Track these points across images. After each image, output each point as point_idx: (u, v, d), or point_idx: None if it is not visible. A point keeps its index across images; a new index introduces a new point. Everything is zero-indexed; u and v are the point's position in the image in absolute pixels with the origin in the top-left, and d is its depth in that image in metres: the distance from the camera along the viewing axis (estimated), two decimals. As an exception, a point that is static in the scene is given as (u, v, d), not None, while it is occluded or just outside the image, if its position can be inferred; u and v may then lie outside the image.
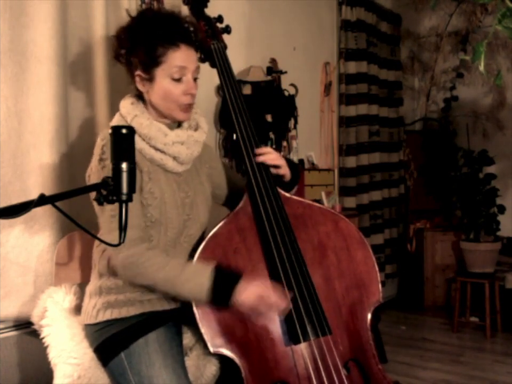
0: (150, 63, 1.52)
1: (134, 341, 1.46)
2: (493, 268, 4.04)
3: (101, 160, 1.50)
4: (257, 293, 1.41)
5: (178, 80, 1.54)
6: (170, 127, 1.59)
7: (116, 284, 1.54)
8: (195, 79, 1.58)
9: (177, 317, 1.60)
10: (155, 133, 1.53)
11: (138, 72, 1.55)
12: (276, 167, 1.65)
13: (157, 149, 1.54)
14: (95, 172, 1.52)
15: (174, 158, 1.56)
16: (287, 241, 1.54)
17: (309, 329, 1.48)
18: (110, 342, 1.51)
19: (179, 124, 1.64)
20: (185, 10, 1.80)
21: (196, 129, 1.65)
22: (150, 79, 1.55)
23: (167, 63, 1.52)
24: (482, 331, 3.88)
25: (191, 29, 1.60)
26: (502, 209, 4.06)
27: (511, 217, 4.24)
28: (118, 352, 1.48)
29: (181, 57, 1.53)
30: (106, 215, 1.48)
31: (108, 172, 1.44)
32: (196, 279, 1.43)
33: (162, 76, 1.53)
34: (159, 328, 1.51)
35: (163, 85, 1.54)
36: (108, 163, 1.45)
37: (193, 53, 1.57)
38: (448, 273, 4.51)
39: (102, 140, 1.51)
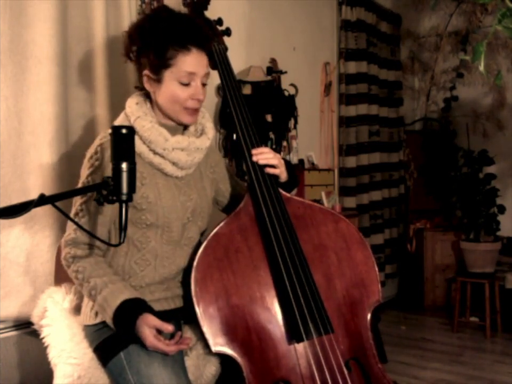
0: (159, 65, 1.51)
1: (133, 341, 1.46)
2: (493, 268, 4.04)
3: (91, 158, 1.52)
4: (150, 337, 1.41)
5: (186, 84, 1.52)
6: (173, 132, 1.58)
7: None
8: (204, 85, 1.57)
9: (178, 317, 1.60)
10: (155, 137, 1.52)
11: (146, 72, 1.54)
12: (271, 166, 1.64)
13: (156, 153, 1.53)
14: (83, 168, 1.55)
15: (174, 163, 1.56)
16: (289, 240, 1.55)
17: (311, 327, 1.48)
18: (109, 342, 1.51)
19: (185, 127, 1.64)
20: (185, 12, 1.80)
21: (200, 135, 1.64)
22: (158, 80, 1.53)
23: (176, 66, 1.51)
24: (482, 331, 3.89)
25: (207, 32, 1.59)
26: (502, 209, 4.06)
27: (511, 217, 4.24)
28: (117, 352, 1.48)
29: (190, 62, 1.51)
30: (72, 213, 1.52)
31: (93, 173, 1.48)
32: (111, 300, 1.45)
33: (170, 78, 1.52)
34: None
35: (170, 88, 1.53)
36: (97, 164, 1.49)
37: (204, 58, 1.55)
38: (448, 273, 4.52)
39: (100, 140, 1.53)
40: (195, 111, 1.58)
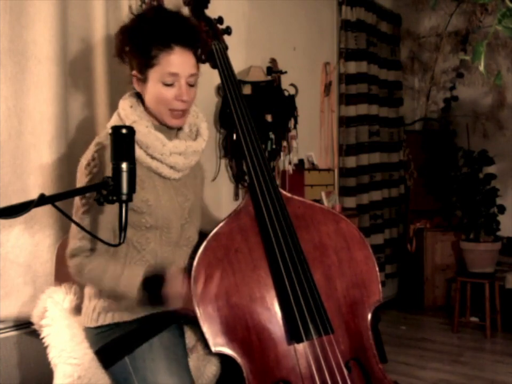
0: (144, 64, 1.50)
1: (138, 346, 1.45)
2: (493, 268, 4.04)
3: (88, 165, 1.48)
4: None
5: (170, 85, 1.50)
6: (168, 135, 1.56)
7: None
8: (191, 86, 1.53)
9: (180, 318, 1.60)
10: (152, 142, 1.51)
11: (134, 72, 1.53)
12: None
13: (153, 158, 1.52)
14: (80, 175, 1.51)
15: (171, 167, 1.55)
16: (289, 240, 1.54)
17: (311, 328, 1.48)
18: (113, 346, 1.50)
19: (179, 128, 1.61)
20: (185, 11, 1.79)
21: (195, 137, 1.63)
22: (144, 80, 1.52)
23: (160, 66, 1.48)
24: (482, 331, 3.88)
25: (194, 30, 1.55)
26: (502, 209, 4.06)
27: (511, 217, 4.24)
28: (121, 356, 1.48)
29: (174, 62, 1.48)
30: (76, 219, 1.49)
31: (92, 180, 1.45)
32: (131, 279, 1.44)
33: (154, 78, 1.50)
34: (163, 332, 1.50)
35: (155, 88, 1.50)
36: (95, 171, 1.45)
37: (189, 57, 1.51)
38: (448, 273, 4.51)
39: (96, 145, 1.49)
40: (182, 114, 1.55)
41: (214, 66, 1.77)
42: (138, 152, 1.50)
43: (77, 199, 1.50)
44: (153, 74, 1.50)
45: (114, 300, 1.51)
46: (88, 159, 1.49)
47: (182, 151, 1.55)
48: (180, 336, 1.56)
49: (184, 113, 1.56)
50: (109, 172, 1.26)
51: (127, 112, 1.55)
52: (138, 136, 1.49)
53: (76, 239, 1.49)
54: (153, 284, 1.41)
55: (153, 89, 1.51)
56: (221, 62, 1.75)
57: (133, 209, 1.49)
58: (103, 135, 1.53)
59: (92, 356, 1.55)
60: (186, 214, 1.60)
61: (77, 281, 1.56)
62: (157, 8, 1.60)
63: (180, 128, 1.62)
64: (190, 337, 1.59)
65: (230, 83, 1.73)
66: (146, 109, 1.57)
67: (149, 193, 1.52)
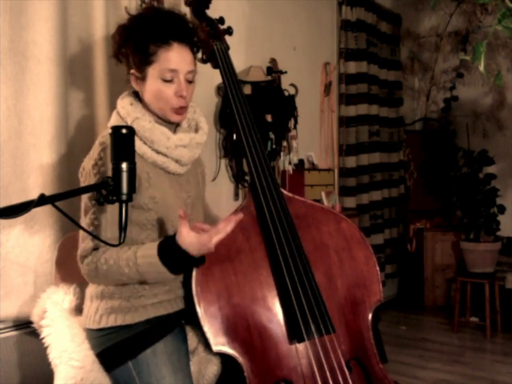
0: (142, 62, 1.50)
1: (142, 351, 1.45)
2: (493, 267, 4.04)
3: (95, 165, 1.47)
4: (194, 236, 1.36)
5: (169, 81, 1.50)
6: (171, 130, 1.57)
7: (119, 289, 1.51)
8: (190, 82, 1.54)
9: (181, 319, 1.59)
10: (158, 137, 1.50)
11: (132, 71, 1.53)
12: None
13: (159, 152, 1.52)
14: (87, 175, 1.50)
15: (177, 161, 1.55)
16: (290, 240, 1.54)
17: (313, 327, 1.48)
18: (116, 350, 1.49)
19: (178, 124, 1.62)
20: (187, 11, 1.79)
21: (196, 131, 1.63)
22: (143, 78, 1.52)
23: (158, 63, 1.49)
24: (482, 331, 3.88)
25: (190, 27, 1.56)
26: (502, 209, 4.06)
27: (511, 217, 4.24)
28: (125, 360, 1.47)
29: (172, 59, 1.49)
30: (84, 223, 1.47)
31: (100, 180, 1.43)
32: (148, 251, 1.41)
33: (153, 75, 1.50)
34: (166, 337, 1.49)
35: (154, 85, 1.51)
36: (103, 170, 1.44)
37: (187, 53, 1.52)
38: (448, 273, 4.51)
39: (101, 144, 1.48)
40: (182, 109, 1.55)
41: (215, 66, 1.77)
42: (144, 149, 1.51)
43: (85, 200, 1.49)
44: (152, 72, 1.50)
45: (140, 281, 1.47)
46: (95, 159, 1.48)
47: (186, 143, 1.55)
48: (183, 341, 1.55)
49: (184, 108, 1.56)
50: None
51: (128, 109, 1.54)
52: (142, 132, 1.50)
53: (88, 240, 1.47)
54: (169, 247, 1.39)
55: (152, 86, 1.51)
56: (222, 62, 1.75)
57: (140, 207, 1.48)
58: (106, 132, 1.51)
59: (93, 358, 1.54)
60: (189, 210, 1.59)
61: (94, 282, 1.52)
62: (152, 7, 1.61)
63: (178, 124, 1.62)
64: (191, 339, 1.59)
65: (231, 83, 1.73)
66: (145, 106, 1.57)
67: (156, 190, 1.52)
